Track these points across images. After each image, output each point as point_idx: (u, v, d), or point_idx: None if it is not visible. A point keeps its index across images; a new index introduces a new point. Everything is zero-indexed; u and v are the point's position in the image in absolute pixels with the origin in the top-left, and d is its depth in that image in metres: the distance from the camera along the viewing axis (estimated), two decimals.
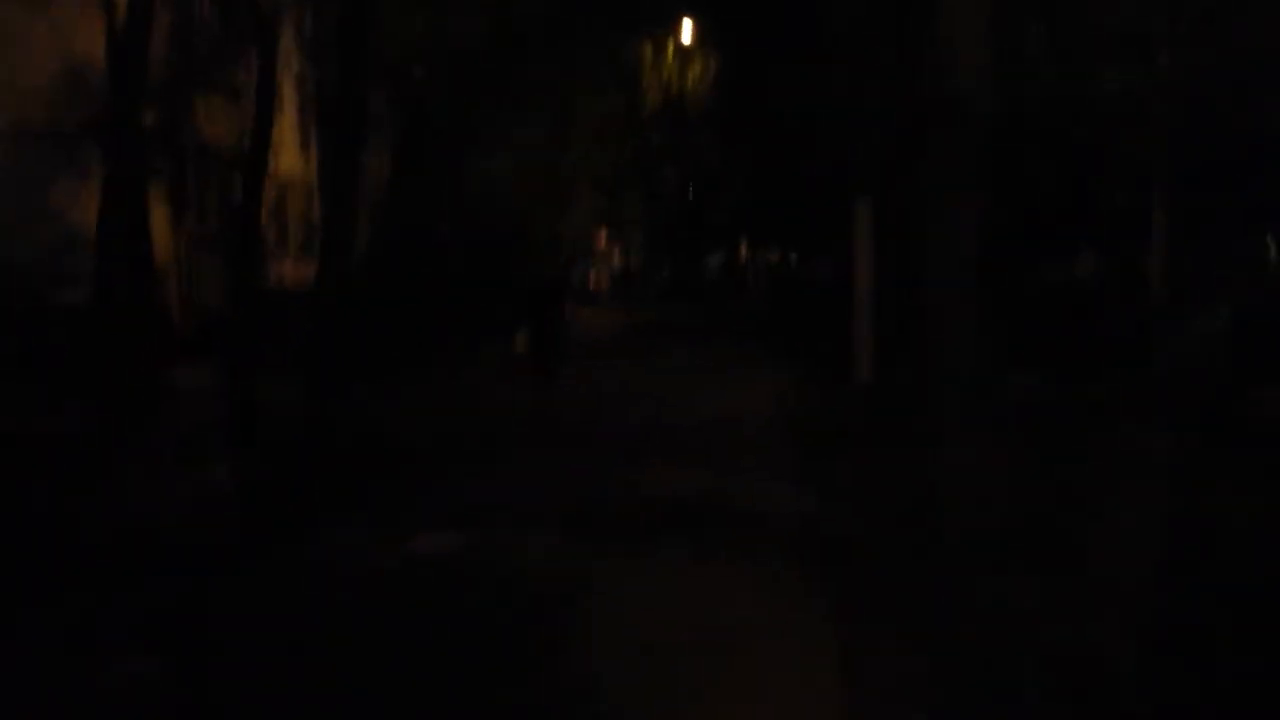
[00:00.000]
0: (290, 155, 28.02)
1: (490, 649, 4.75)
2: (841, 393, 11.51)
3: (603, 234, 45.41)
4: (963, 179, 5.86)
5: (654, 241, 43.09)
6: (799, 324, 19.34)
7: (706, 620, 5.03)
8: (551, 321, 15.17)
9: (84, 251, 13.49)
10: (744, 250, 39.28)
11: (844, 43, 12.09)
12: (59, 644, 4.88)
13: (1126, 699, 3.97)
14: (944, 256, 6.01)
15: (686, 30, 29.57)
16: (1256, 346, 10.70)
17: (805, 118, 15.82)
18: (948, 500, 6.26)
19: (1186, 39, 11.96)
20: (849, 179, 11.67)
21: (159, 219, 19.05)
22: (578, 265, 41.41)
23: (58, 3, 15.54)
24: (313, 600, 5.57)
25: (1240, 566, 5.56)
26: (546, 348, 14.94)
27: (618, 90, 27.51)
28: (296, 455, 9.23)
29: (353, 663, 4.56)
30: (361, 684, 4.32)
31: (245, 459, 9.00)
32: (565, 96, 24.29)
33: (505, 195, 23.33)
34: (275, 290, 22.72)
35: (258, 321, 11.01)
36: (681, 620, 5.02)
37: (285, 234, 26.99)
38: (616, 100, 27.46)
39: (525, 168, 23.84)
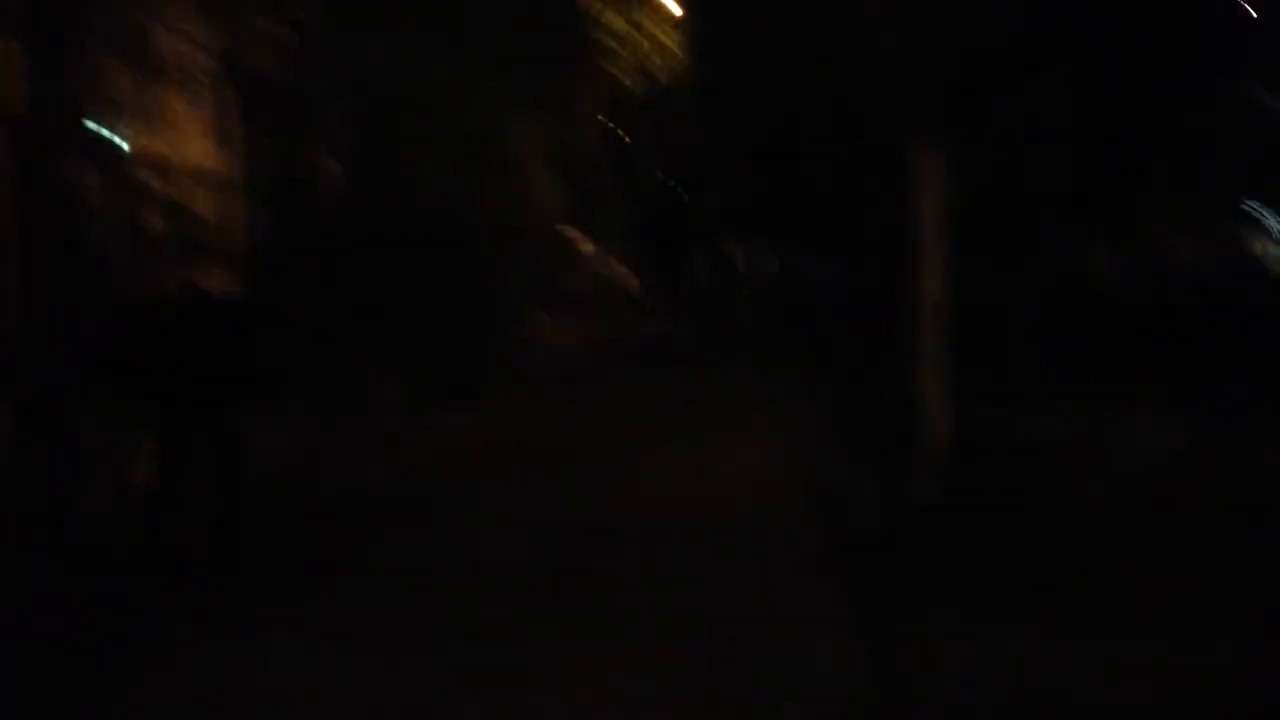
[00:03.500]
0: (198, 143, 23.52)
1: None
2: (900, 475, 6.97)
3: (578, 236, 40.87)
4: None
5: (635, 244, 38.49)
6: (815, 345, 14.73)
7: None
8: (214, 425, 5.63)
9: None
10: (738, 251, 34.74)
11: None
12: None
13: None
14: None
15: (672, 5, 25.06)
16: None
17: (830, 42, 11.22)
18: None
19: None
20: (898, 125, 7.22)
21: None
22: (557, 269, 36.88)
23: None
24: None
25: None
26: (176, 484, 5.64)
27: (585, 56, 22.98)
28: None
29: None
30: None
31: None
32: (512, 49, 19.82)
33: (436, 177, 18.71)
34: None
35: None
36: None
37: (192, 238, 22.44)
38: (583, 66, 22.93)
39: (464, 139, 19.27)
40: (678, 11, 24.06)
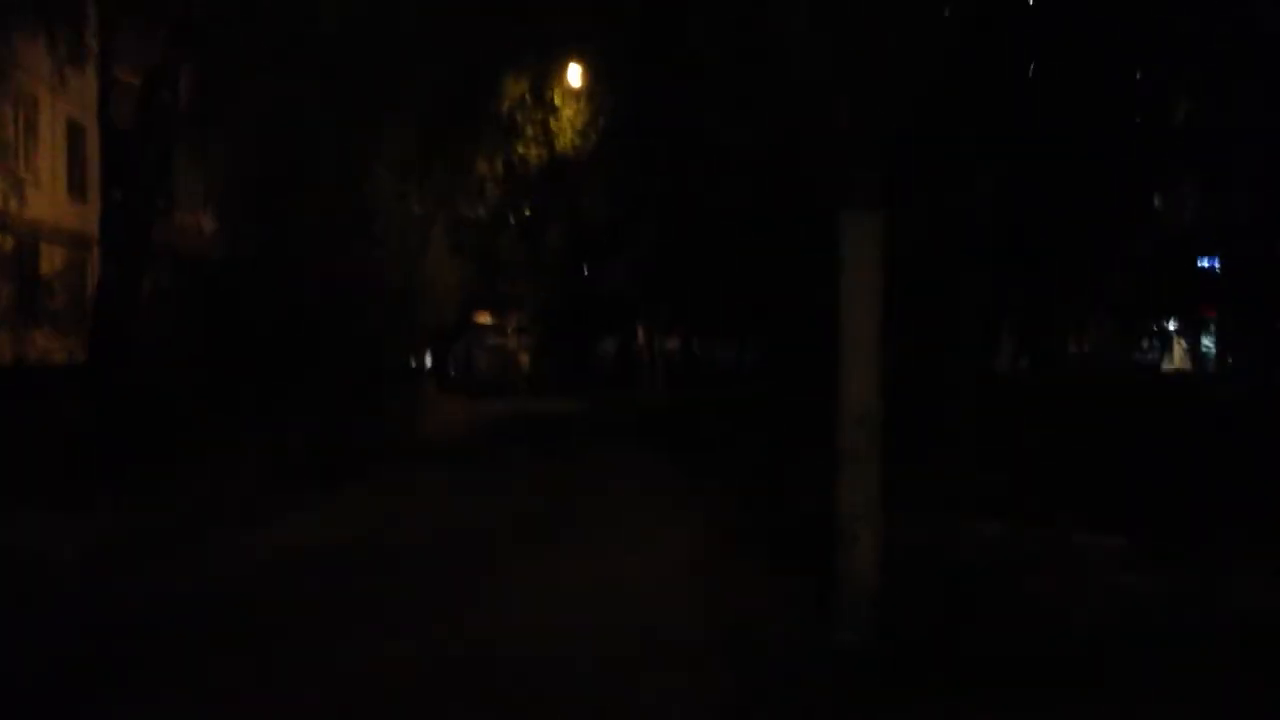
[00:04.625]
0: (49, 197, 21.60)
1: None
2: (818, 607, 5.65)
3: (478, 310, 39.38)
4: None
5: (540, 323, 37.20)
6: (723, 437, 13.39)
7: None
8: None
9: None
10: (641, 334, 33.62)
11: None
12: None
13: None
14: None
15: (574, 73, 23.97)
16: None
17: (749, 100, 10.04)
18: None
19: None
20: (824, 188, 6.10)
21: None
22: (459, 344, 35.46)
23: None
24: None
25: None
26: None
27: (487, 129, 21.81)
28: None
29: None
30: None
31: None
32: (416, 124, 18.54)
33: (316, 241, 17.24)
34: None
35: None
36: None
37: (34, 297, 20.43)
38: (486, 139, 21.73)
39: (347, 205, 17.87)
40: (577, 84, 23.03)
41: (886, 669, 5.16)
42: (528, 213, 27.98)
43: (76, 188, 22.43)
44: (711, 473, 11.78)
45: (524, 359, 36.52)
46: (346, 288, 18.25)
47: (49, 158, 21.52)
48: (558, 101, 22.23)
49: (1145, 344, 24.54)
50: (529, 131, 21.99)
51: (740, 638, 5.75)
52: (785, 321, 12.78)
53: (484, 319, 36.17)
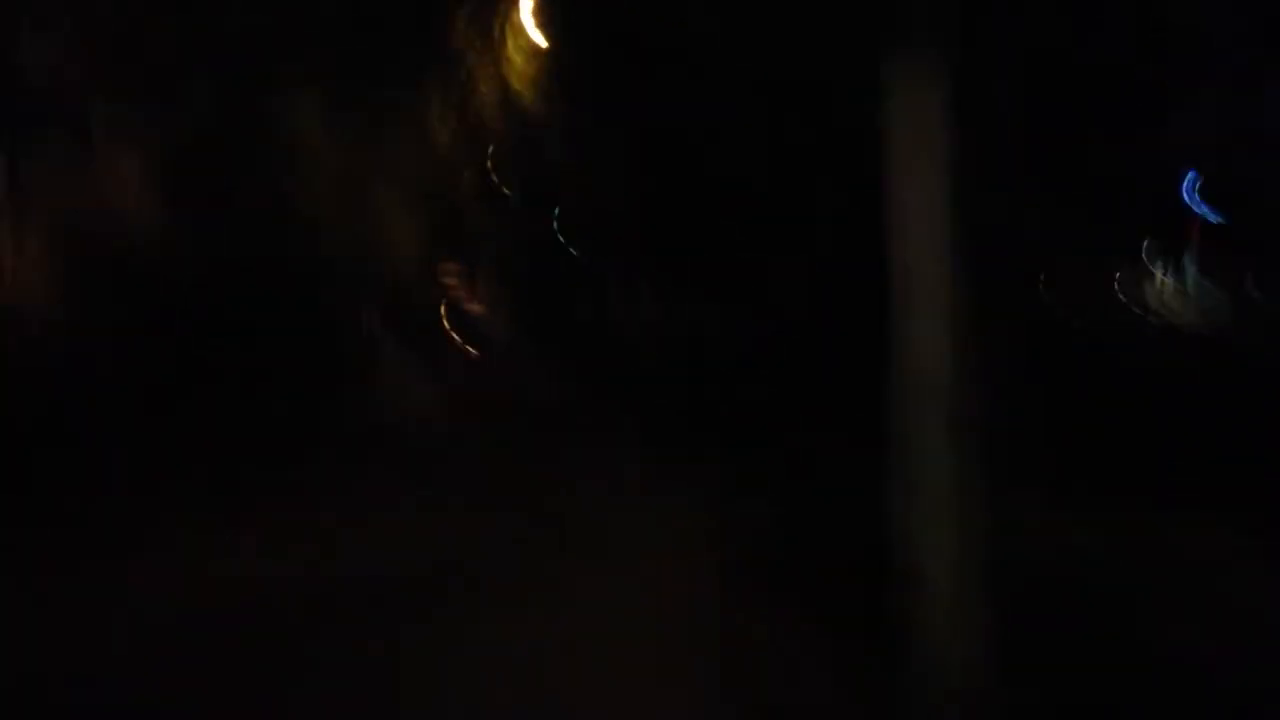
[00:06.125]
0: None
1: None
2: (885, 689, 3.60)
3: (449, 278, 37.09)
4: None
5: (503, 285, 34.99)
6: (719, 415, 10.84)
7: None
8: None
9: None
10: (614, 291, 31.53)
11: None
12: None
13: None
14: None
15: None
16: None
17: None
18: None
19: None
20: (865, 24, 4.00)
21: None
22: (416, 312, 33.24)
23: None
24: None
25: None
26: None
27: (428, 63, 19.56)
28: None
29: None
30: None
31: None
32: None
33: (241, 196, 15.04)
34: None
35: None
36: None
37: None
38: (427, 72, 19.49)
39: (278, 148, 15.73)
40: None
41: None
42: (487, 159, 25.73)
43: None
44: (718, 475, 9.27)
45: (487, 325, 34.43)
46: (269, 264, 15.95)
47: None
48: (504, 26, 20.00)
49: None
50: (473, 64, 19.79)
51: None
52: (796, 266, 10.70)
53: (448, 281, 34.02)
